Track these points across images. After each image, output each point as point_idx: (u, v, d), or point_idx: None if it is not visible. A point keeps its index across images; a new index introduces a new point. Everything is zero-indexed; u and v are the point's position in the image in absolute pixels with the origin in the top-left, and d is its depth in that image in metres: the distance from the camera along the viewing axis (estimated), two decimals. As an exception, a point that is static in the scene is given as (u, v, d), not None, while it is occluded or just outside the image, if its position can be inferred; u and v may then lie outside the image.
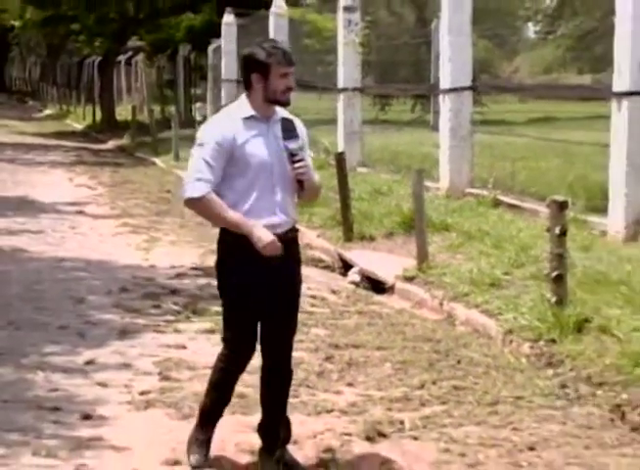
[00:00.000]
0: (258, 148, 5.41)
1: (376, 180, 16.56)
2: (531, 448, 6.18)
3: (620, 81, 11.86)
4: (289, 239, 5.54)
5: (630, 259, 10.12)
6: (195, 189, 5.37)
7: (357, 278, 11.30)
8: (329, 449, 6.07)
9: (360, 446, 6.18)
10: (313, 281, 10.91)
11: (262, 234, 5.32)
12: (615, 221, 11.84)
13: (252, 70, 5.42)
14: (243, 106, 5.50)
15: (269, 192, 5.43)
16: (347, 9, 20.95)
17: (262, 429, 5.81)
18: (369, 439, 6.28)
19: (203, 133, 5.52)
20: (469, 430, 6.49)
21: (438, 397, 7.12)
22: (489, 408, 6.90)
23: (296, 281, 5.70)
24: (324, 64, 23.76)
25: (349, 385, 7.35)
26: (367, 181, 16.40)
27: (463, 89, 16.00)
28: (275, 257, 5.37)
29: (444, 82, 16.14)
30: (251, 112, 5.45)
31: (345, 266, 12.04)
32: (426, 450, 6.13)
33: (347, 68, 20.58)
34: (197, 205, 5.45)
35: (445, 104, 16.15)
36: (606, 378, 7.17)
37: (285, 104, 5.50)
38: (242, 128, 5.41)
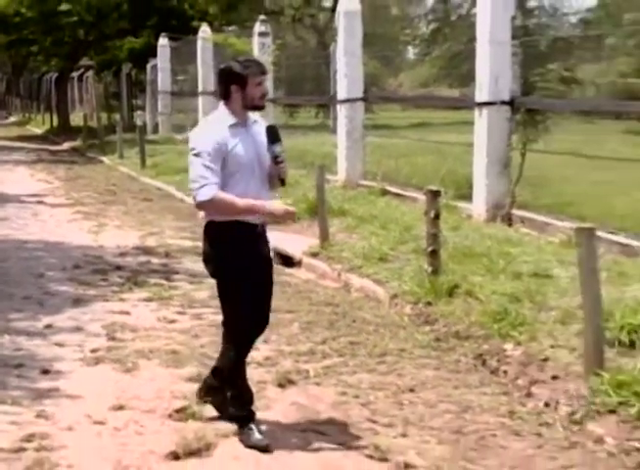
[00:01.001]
0: (243, 150, 5.23)
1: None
2: (412, 390, 6.25)
3: (481, 94, 12.04)
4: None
5: (490, 237, 10.28)
6: (204, 194, 5.13)
7: (271, 255, 11.27)
8: (248, 394, 6.09)
9: (273, 392, 6.20)
10: (235, 257, 10.89)
11: (277, 207, 5.26)
12: (478, 206, 12.01)
13: (231, 81, 5.23)
14: (224, 115, 5.29)
15: (253, 187, 5.26)
16: (262, 34, 21.09)
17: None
18: (280, 385, 6.30)
19: (196, 143, 5.23)
20: (361, 377, 6.54)
21: (337, 350, 7.16)
22: (378, 359, 6.95)
23: (270, 258, 5.60)
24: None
25: (264, 342, 7.31)
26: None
27: (356, 100, 16.11)
28: (260, 237, 5.34)
29: (341, 94, 16.24)
30: (234, 119, 5.26)
31: (261, 245, 12.01)
32: (326, 394, 6.17)
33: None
34: (209, 206, 5.22)
35: (342, 112, 16.24)
36: (471, 332, 7.25)
37: (262, 108, 5.36)
38: (229, 135, 5.21)
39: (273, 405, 5.95)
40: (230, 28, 34.58)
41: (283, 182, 5.43)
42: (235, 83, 5.23)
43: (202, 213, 5.71)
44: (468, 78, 12.38)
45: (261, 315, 5.50)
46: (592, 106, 14.63)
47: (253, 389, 5.94)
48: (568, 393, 5.89)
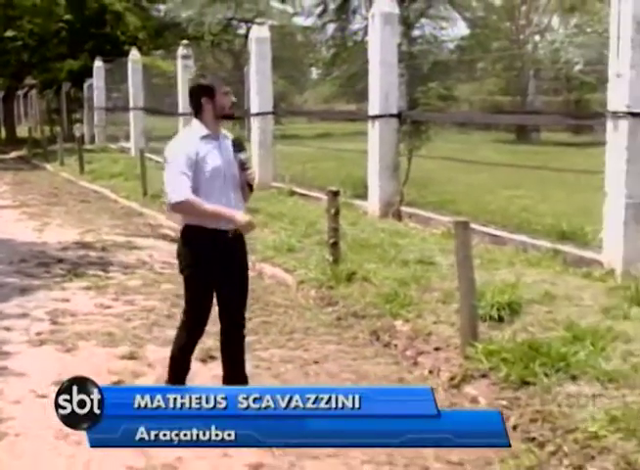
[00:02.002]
0: (214, 159, 4.99)
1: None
2: (316, 362, 6.26)
3: (373, 108, 12.12)
4: (240, 233, 5.18)
5: (383, 230, 10.35)
6: (178, 195, 4.88)
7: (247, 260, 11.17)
8: (174, 369, 6.02)
9: (196, 366, 6.12)
10: (164, 250, 10.75)
11: (240, 217, 4.98)
12: (372, 204, 12.09)
13: (201, 94, 5.00)
14: (197, 128, 5.05)
15: (224, 193, 5.03)
16: (184, 57, 20.92)
17: (228, 380, 5.37)
18: (203, 360, 6.24)
19: (172, 153, 5.01)
20: (273, 352, 6.53)
21: (252, 329, 7.07)
22: (287, 336, 6.94)
23: (246, 259, 5.34)
24: (169, 96, 23.44)
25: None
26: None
27: (267, 113, 16.08)
28: (234, 243, 5.09)
29: (254, 108, 16.18)
30: (206, 131, 5.00)
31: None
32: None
33: (185, 98, 20.32)
34: (181, 207, 4.96)
35: (255, 124, 16.18)
36: (367, 312, 7.28)
37: (232, 117, 5.14)
38: (200, 144, 4.97)
39: (196, 378, 5.87)
40: (157, 52, 34.24)
41: (251, 188, 5.23)
42: (205, 95, 5.00)
43: (178, 217, 5.39)
44: (363, 95, 12.48)
45: (235, 314, 5.24)
46: (466, 118, 14.91)
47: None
48: (448, 361, 5.96)
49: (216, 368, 6.07)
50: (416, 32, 37.83)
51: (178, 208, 5.01)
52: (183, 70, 20.68)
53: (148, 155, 18.80)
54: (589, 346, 5.57)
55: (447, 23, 39.40)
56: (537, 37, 39.84)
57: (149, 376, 5.87)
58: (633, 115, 7.50)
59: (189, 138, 5.06)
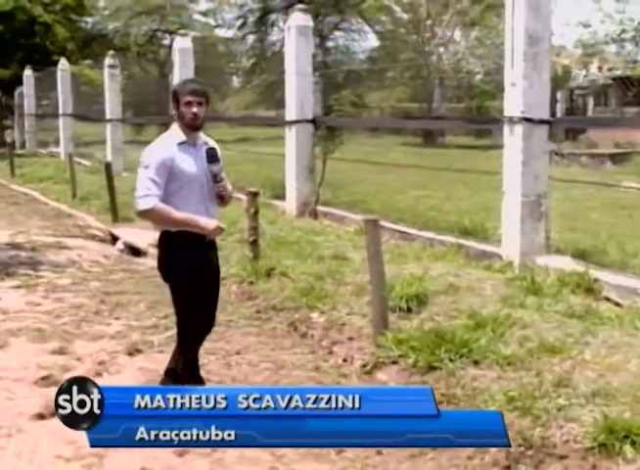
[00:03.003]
0: (190, 167, 4.70)
1: (134, 180, 16.16)
2: (238, 353, 6.21)
3: (290, 114, 12.11)
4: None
5: (300, 228, 10.35)
6: (146, 203, 4.60)
7: (122, 247, 11.01)
8: (102, 362, 5.91)
9: (124, 360, 6.05)
10: (92, 250, 10.58)
11: (208, 222, 4.70)
12: (290, 204, 12.09)
13: (173, 100, 4.76)
14: (175, 133, 4.77)
15: (200, 201, 4.76)
16: (111, 66, 20.59)
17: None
18: (130, 354, 6.14)
19: (147, 157, 4.71)
20: (197, 344, 6.46)
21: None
22: (211, 329, 6.89)
23: (219, 264, 5.09)
24: (96, 103, 23.05)
25: (116, 319, 7.18)
26: (128, 181, 15.89)
27: (190, 120, 15.90)
28: (210, 248, 4.86)
29: (177, 115, 15.98)
30: (183, 138, 4.71)
31: (114, 239, 11.71)
32: (168, 359, 6.05)
33: (112, 105, 20.21)
34: (149, 215, 4.69)
35: (179, 129, 16.00)
36: (285, 305, 7.26)
37: (194, 128, 4.73)
38: (177, 151, 4.68)
39: (124, 370, 5.81)
40: (85, 62, 33.69)
41: (223, 199, 4.92)
42: (174, 101, 4.76)
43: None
44: (281, 102, 12.49)
45: (208, 316, 4.99)
46: (376, 123, 15.01)
47: (107, 357, 5.82)
48: (361, 350, 5.99)
49: (143, 361, 6.01)
50: (330, 44, 38.06)
51: (145, 215, 4.73)
52: (110, 78, 20.38)
53: (77, 159, 18.46)
54: (490, 332, 5.65)
55: (359, 35, 39.75)
56: (442, 49, 40.35)
57: (78, 370, 5.74)
58: (527, 120, 7.65)
59: (166, 144, 4.75)
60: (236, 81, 44.52)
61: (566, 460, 4.18)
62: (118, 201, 12.94)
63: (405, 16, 40.36)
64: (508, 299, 6.50)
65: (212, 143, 4.92)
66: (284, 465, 4.35)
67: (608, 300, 6.73)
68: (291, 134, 12.10)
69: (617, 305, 6.58)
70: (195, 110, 4.69)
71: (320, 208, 11.93)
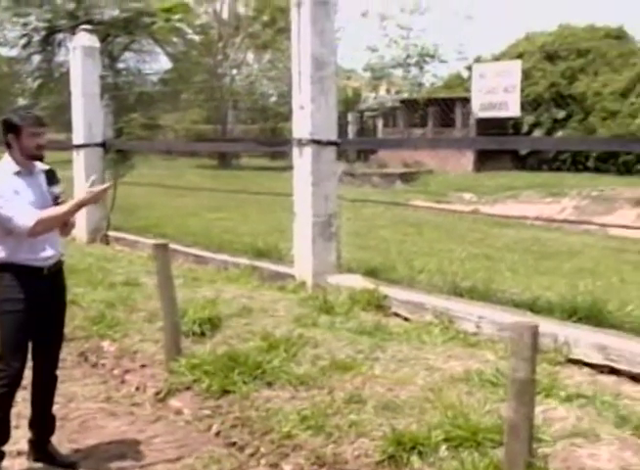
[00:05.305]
0: (28, 196, 4.40)
1: None
2: (24, 388, 5.92)
3: (77, 138, 11.83)
4: (57, 269, 4.59)
5: (91, 255, 10.12)
6: (28, 220, 4.28)
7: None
8: None
9: None
10: None
11: (91, 193, 4.49)
12: (80, 230, 11.66)
13: (8, 131, 4.46)
14: (8, 163, 4.46)
15: None
16: None
17: (36, 425, 4.77)
18: None
19: None
20: None
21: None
22: None
23: (63, 303, 4.67)
24: None
25: None
26: None
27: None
28: (49, 285, 4.49)
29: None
30: (17, 168, 4.44)
31: None
32: None
33: None
34: (37, 228, 4.31)
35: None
36: (75, 334, 7.01)
37: (39, 158, 4.52)
38: (15, 180, 4.40)
39: None
40: None
41: (66, 225, 4.63)
42: (11, 133, 4.47)
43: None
44: (71, 125, 12.13)
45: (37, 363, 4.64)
46: (168, 146, 14.90)
47: None
48: (154, 377, 5.91)
49: None
50: (121, 65, 37.47)
51: (36, 229, 4.35)
52: None
53: None
54: (283, 353, 5.73)
55: (150, 56, 39.42)
56: (235, 71, 40.80)
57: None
58: (316, 142, 7.85)
59: (2, 174, 4.47)
60: (22, 103, 42.94)
61: (357, 474, 4.30)
62: None
63: (197, 38, 40.51)
64: (301, 318, 6.62)
65: (46, 166, 4.70)
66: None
67: (397, 315, 6.99)
68: (79, 158, 11.79)
69: (406, 320, 6.85)
70: (40, 141, 4.54)
71: (112, 233, 11.68)
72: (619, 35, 38.97)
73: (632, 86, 35.14)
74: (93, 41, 11.97)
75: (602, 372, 5.30)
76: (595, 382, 5.09)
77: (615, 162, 33.70)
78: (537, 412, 4.15)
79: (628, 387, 5.03)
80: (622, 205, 25.72)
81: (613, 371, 5.28)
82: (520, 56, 34.40)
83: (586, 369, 5.36)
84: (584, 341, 5.52)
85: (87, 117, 11.68)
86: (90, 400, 5.71)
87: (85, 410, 5.52)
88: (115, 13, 36.24)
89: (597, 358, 5.38)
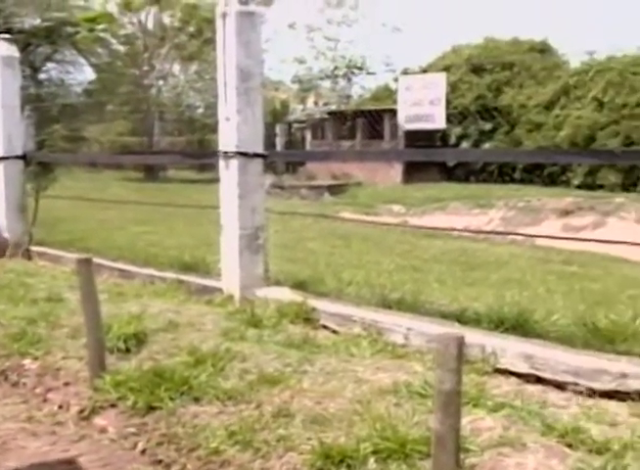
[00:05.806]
0: None
1: None
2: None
3: (-2, 149, 11.61)
4: None
5: (12, 270, 9.90)
6: None
7: None
8: None
9: None
10: None
11: None
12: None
13: None
14: None
15: None
16: None
17: None
18: None
19: None
20: None
21: None
22: None
23: None
24: None
25: None
26: None
27: None
28: None
29: None
30: None
31: None
32: None
33: None
34: None
35: None
36: (-5, 353, 6.88)
37: None
38: None
39: None
40: None
41: None
42: None
43: None
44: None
45: None
46: (91, 159, 14.71)
47: None
48: (77, 395, 5.79)
49: None
50: (43, 76, 36.89)
51: None
52: None
53: None
54: (210, 368, 5.69)
55: (74, 67, 38.86)
56: (161, 82, 40.52)
57: None
58: (242, 154, 7.83)
59: None
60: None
61: (285, 489, 4.29)
62: None
63: (122, 48, 40.11)
64: (229, 332, 6.59)
65: None
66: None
67: (325, 328, 7.01)
68: (-1, 171, 11.56)
69: (335, 332, 6.86)
70: None
71: (34, 248, 11.46)
72: (543, 49, 39.95)
73: (557, 99, 36.05)
74: (12, 51, 11.75)
75: (528, 381, 5.39)
76: (521, 391, 5.17)
77: (540, 173, 34.50)
78: (465, 423, 4.21)
79: (553, 395, 5.13)
80: (548, 215, 26.32)
81: (538, 380, 5.38)
82: (447, 68, 35.03)
83: (513, 379, 5.45)
84: (511, 350, 5.61)
85: (7, 129, 11.45)
86: (10, 421, 5.57)
87: (5, 431, 5.38)
88: (37, 22, 35.67)
89: (523, 368, 5.47)
